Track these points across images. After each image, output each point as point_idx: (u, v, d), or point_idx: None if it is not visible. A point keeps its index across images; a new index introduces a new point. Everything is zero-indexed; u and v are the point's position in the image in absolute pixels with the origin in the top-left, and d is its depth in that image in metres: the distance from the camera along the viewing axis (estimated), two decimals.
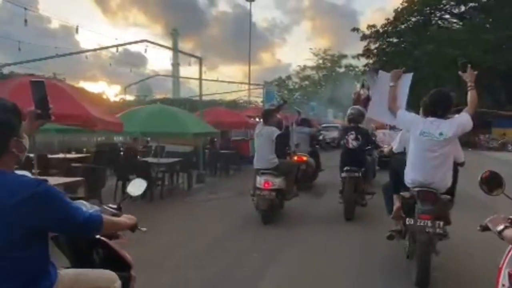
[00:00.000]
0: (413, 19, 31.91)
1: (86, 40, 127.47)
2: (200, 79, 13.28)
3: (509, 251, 2.13)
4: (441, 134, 3.85)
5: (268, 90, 18.58)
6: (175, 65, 55.26)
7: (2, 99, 1.72)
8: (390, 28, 32.68)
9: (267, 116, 6.98)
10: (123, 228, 2.15)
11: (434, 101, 4.03)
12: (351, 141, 7.08)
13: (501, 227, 2.01)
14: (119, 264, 2.26)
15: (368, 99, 8.62)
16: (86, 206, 2.10)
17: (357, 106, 7.92)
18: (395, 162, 4.67)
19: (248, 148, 16.39)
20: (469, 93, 3.98)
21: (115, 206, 2.39)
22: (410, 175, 4.03)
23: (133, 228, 2.20)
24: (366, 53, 34.38)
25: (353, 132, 7.10)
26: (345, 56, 53.22)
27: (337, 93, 47.88)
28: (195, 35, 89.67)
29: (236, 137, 17.12)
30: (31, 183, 1.64)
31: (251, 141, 16.76)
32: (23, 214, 1.57)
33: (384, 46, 33.68)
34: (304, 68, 57.05)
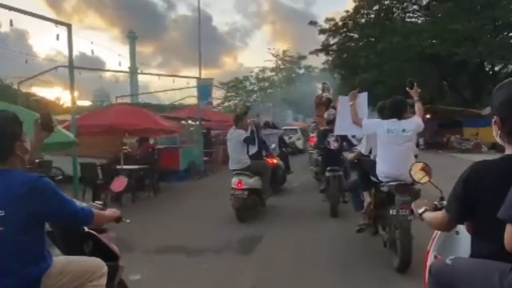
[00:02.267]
0: (374, 12, 29.22)
1: (39, 44, 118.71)
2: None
3: (435, 236, 2.40)
4: (404, 130, 4.54)
5: (203, 86, 14.98)
6: (133, 68, 51.37)
7: (4, 111, 2.14)
8: (350, 21, 29.93)
9: (238, 120, 7.49)
10: (110, 220, 2.45)
11: (392, 107, 4.70)
12: (332, 143, 7.49)
13: (421, 210, 2.27)
14: (107, 256, 2.47)
15: (329, 101, 9.73)
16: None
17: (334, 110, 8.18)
18: (364, 164, 5.24)
19: (178, 160, 12.82)
20: (415, 104, 4.81)
21: (101, 203, 2.72)
22: (383, 169, 4.58)
23: (118, 220, 2.51)
24: (325, 48, 31.50)
25: (333, 134, 7.30)
26: (304, 57, 51.90)
27: (297, 94, 46.88)
28: (155, 39, 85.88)
29: (163, 144, 13.46)
30: (32, 177, 1.99)
31: (182, 150, 13.23)
32: (26, 203, 1.91)
33: (344, 41, 30.85)
34: (264, 69, 54.92)
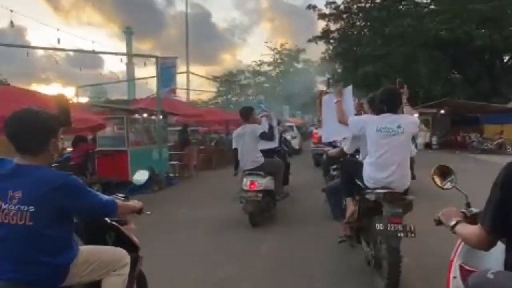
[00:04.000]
0: None
1: (38, 40, 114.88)
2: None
3: (459, 244, 2.21)
4: (399, 127, 3.76)
5: (164, 68, 11.39)
6: (130, 65, 48.56)
7: (46, 109, 2.21)
8: (353, 5, 26.62)
9: (248, 113, 6.70)
10: (133, 211, 2.51)
11: (385, 99, 3.92)
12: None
13: (453, 222, 2.04)
14: (128, 247, 2.53)
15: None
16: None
17: None
18: (347, 164, 4.54)
19: (126, 166, 9.56)
20: (404, 108, 4.14)
21: (123, 195, 2.74)
22: (370, 173, 3.84)
23: (140, 211, 2.57)
24: (326, 35, 28.10)
25: None
26: (302, 50, 49.44)
27: (294, 89, 44.20)
28: (153, 36, 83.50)
29: (105, 146, 9.83)
30: (61, 175, 2.01)
31: (134, 153, 9.96)
32: (55, 199, 1.96)
33: (346, 27, 27.50)
34: (261, 63, 51.99)
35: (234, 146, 6.67)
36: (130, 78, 38.36)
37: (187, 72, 22.20)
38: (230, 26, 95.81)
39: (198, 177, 13.15)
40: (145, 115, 11.00)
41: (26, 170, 1.99)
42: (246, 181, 6.19)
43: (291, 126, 24.05)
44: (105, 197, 2.29)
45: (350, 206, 4.24)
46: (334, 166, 6.42)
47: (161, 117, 11.02)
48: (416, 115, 4.37)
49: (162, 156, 10.92)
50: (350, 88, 4.62)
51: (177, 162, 12.96)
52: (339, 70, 28.92)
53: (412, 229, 3.41)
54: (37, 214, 1.92)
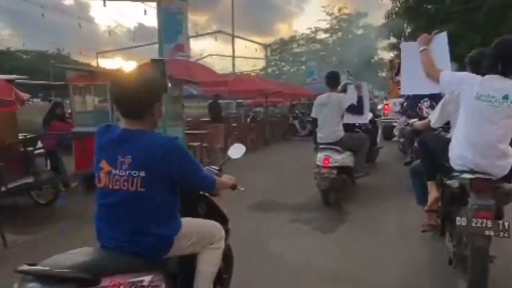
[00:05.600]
0: None
1: (100, 16, 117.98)
2: None
3: None
4: (506, 98, 2.91)
5: (169, 14, 8.13)
6: (186, 38, 46.90)
7: (155, 74, 2.42)
8: None
9: (335, 80, 6.23)
10: (227, 187, 2.52)
11: (503, 54, 2.99)
12: (425, 109, 6.08)
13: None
14: (218, 219, 2.50)
15: None
16: None
17: None
18: (429, 140, 3.88)
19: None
20: None
21: (217, 168, 2.77)
22: (459, 151, 3.13)
23: (234, 187, 2.58)
24: None
25: (426, 99, 6.04)
26: (364, 15, 45.07)
27: (353, 57, 40.31)
28: (210, 7, 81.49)
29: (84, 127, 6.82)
30: (168, 139, 1.99)
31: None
32: (164, 165, 1.91)
33: None
34: (316, 30, 47.75)
35: (313, 115, 6.23)
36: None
37: (217, 32, 19.31)
38: None
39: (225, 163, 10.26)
40: None
41: (133, 135, 1.96)
42: (320, 156, 5.80)
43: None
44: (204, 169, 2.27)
45: (433, 192, 3.66)
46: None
47: (169, 85, 8.14)
48: None
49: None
50: (443, 35, 3.60)
51: (198, 143, 10.14)
52: (408, 31, 24.52)
53: (507, 227, 2.81)
54: (148, 180, 1.89)
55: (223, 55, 32.51)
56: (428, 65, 3.37)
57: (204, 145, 10.08)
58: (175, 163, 1.94)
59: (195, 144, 10.00)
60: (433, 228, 3.79)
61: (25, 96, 5.83)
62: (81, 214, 5.34)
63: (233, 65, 24.25)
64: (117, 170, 1.89)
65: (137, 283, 1.85)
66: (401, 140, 8.22)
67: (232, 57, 25.53)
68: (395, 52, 24.82)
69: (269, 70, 46.07)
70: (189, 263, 2.26)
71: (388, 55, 34.93)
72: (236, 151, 2.99)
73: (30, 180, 5.51)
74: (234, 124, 13.36)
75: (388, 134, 12.04)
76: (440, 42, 3.59)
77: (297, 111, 17.36)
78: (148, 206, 1.92)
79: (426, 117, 5.96)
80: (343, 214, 5.56)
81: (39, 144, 6.22)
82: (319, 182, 5.78)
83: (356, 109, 6.06)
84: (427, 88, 3.68)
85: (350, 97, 6.05)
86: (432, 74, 3.32)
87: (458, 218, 2.92)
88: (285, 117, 17.39)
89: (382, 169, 8.50)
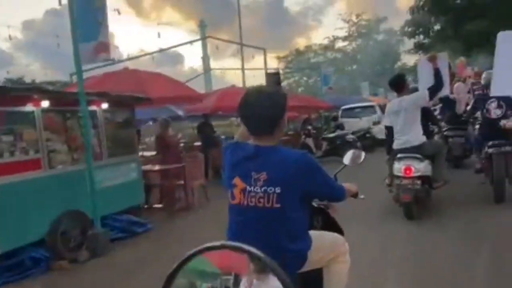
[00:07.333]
0: None
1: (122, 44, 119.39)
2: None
3: None
4: None
5: (83, 3, 5.83)
6: (205, 58, 45.76)
7: (277, 88, 2.24)
8: None
9: (400, 83, 5.77)
10: (351, 195, 2.35)
11: None
12: (493, 110, 6.01)
13: None
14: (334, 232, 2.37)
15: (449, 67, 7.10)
16: None
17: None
18: None
19: None
20: None
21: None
22: None
23: (355, 195, 2.41)
24: None
25: (494, 100, 5.99)
26: (384, 19, 42.35)
27: (375, 63, 37.51)
28: (228, 28, 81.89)
29: None
30: (300, 154, 1.98)
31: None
32: (299, 180, 1.90)
33: None
34: (334, 39, 46.74)
35: (386, 124, 6.01)
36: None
37: (207, 37, 16.96)
38: (302, 8, 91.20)
39: (206, 207, 7.58)
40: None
41: (266, 151, 1.96)
42: (400, 166, 5.38)
43: (371, 107, 17.83)
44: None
45: None
46: (491, 143, 5.72)
47: (105, 105, 5.59)
48: None
49: (99, 184, 5.56)
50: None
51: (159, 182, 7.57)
52: (436, 28, 21.55)
53: None
54: (284, 196, 1.89)
55: (232, 68, 30.27)
56: None
57: (180, 182, 7.48)
58: (310, 177, 1.93)
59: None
60: None
61: None
62: None
63: (243, 79, 21.97)
64: (252, 187, 1.91)
65: None
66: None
67: (241, 70, 23.21)
68: (421, 52, 22.17)
69: (285, 82, 43.44)
70: (314, 278, 2.18)
71: (412, 59, 32.34)
72: (353, 157, 2.71)
73: None
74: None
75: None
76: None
77: (309, 127, 14.54)
78: (284, 221, 1.91)
79: (495, 119, 5.84)
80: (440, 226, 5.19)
81: None
82: (401, 195, 5.38)
83: (436, 85, 5.42)
84: None
85: (421, 94, 5.54)
86: None
87: None
88: (296, 135, 14.65)
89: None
